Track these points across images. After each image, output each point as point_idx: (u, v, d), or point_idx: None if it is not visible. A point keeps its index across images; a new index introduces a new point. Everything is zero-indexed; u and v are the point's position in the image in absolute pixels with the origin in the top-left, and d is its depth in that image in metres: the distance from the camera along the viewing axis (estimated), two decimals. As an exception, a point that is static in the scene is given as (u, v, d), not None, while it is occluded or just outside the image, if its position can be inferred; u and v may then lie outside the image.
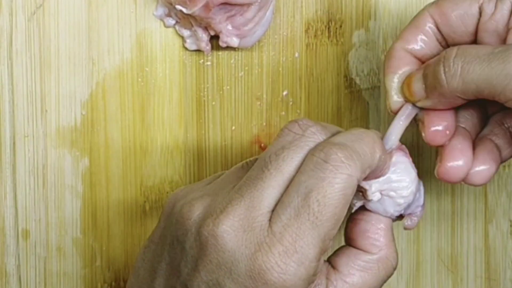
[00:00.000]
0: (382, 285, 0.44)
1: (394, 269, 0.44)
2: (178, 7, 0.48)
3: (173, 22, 0.51)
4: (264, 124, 0.53)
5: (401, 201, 0.44)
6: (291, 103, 0.53)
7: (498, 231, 0.56)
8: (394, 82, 0.45)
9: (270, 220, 0.41)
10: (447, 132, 0.45)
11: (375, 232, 0.44)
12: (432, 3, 0.45)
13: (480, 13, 0.44)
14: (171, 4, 0.49)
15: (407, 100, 0.45)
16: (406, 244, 0.56)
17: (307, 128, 0.42)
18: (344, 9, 0.53)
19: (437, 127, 0.45)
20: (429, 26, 0.45)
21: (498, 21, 0.43)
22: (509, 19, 0.43)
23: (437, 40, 0.45)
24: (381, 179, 0.44)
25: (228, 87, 0.52)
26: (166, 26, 0.51)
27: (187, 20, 0.50)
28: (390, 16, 0.54)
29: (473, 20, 0.44)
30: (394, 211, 0.45)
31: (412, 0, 0.53)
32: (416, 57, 0.46)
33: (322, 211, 0.40)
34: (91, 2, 0.51)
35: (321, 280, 0.42)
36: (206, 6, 0.47)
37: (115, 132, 0.52)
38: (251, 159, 0.45)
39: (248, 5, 0.49)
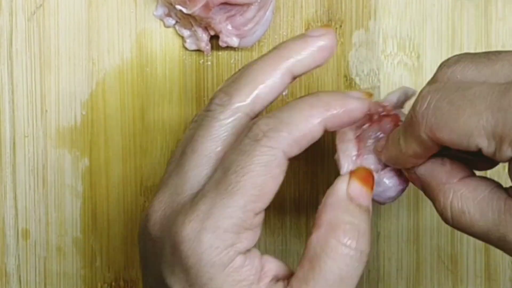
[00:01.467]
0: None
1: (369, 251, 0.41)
2: (178, 7, 0.48)
3: (173, 22, 0.51)
4: (264, 124, 0.53)
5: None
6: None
7: (498, 231, 0.56)
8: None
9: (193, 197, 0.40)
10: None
11: None
12: (425, 125, 0.38)
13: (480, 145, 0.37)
14: (171, 4, 0.49)
15: None
16: (406, 244, 0.56)
17: (211, 102, 0.41)
18: (344, 9, 0.53)
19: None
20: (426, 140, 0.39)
21: (501, 159, 0.37)
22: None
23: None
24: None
25: (228, 87, 0.52)
26: (166, 26, 0.51)
27: (187, 20, 0.50)
28: (390, 16, 0.54)
29: (473, 149, 0.38)
30: None
31: (412, 0, 0.53)
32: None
33: (240, 180, 0.38)
34: (91, 2, 0.51)
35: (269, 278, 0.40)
36: (206, 6, 0.47)
37: (115, 132, 0.52)
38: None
39: (248, 5, 0.49)
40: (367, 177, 0.41)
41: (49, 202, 0.52)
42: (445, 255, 0.56)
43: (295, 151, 0.39)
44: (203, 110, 0.42)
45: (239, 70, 0.42)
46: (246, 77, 0.41)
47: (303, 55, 0.42)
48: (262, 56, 0.42)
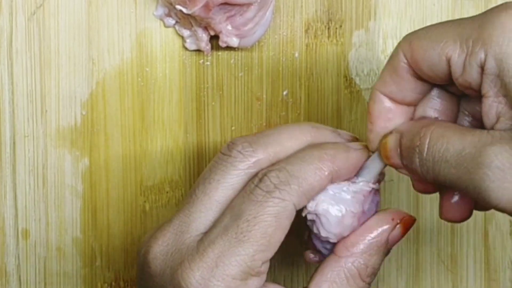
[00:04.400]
0: None
1: None
2: (178, 7, 0.48)
3: (173, 22, 0.51)
4: (264, 124, 0.53)
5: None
6: (291, 103, 0.53)
7: (498, 231, 0.56)
8: (374, 128, 0.43)
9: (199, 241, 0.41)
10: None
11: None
12: (405, 42, 0.41)
13: (450, 66, 0.39)
14: (171, 4, 0.49)
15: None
16: (406, 244, 0.56)
17: (233, 148, 0.42)
18: (344, 9, 0.53)
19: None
20: (405, 68, 0.41)
21: (472, 83, 0.39)
22: (481, 85, 0.38)
23: (415, 77, 0.42)
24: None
25: (228, 87, 0.52)
26: (166, 26, 0.51)
27: (187, 20, 0.50)
28: (390, 16, 0.54)
29: (444, 71, 0.40)
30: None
31: (412, 0, 0.53)
32: (395, 100, 0.43)
33: (251, 229, 0.40)
34: (91, 2, 0.51)
35: None
36: (206, 6, 0.47)
37: (115, 132, 0.52)
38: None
39: (248, 5, 0.49)
40: (409, 227, 0.44)
41: (49, 202, 0.52)
42: (445, 255, 0.56)
43: (304, 203, 0.41)
44: (222, 152, 0.43)
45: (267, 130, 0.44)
46: (274, 136, 0.43)
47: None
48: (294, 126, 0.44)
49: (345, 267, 0.42)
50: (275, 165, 0.42)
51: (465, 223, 0.55)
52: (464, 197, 0.42)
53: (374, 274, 0.42)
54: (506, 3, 0.38)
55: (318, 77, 0.53)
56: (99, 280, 0.53)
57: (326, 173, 0.41)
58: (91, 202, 0.52)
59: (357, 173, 0.44)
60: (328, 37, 0.53)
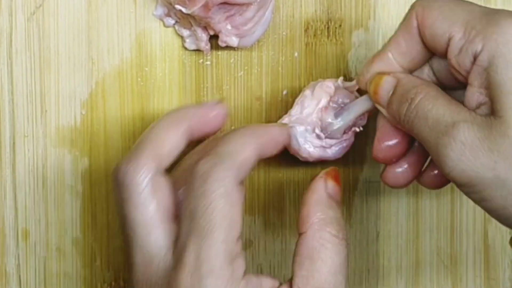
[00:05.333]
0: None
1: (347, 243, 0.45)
2: (178, 6, 0.48)
3: (173, 21, 0.51)
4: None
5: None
6: (290, 102, 0.53)
7: (498, 230, 0.56)
8: (372, 68, 0.46)
9: (172, 257, 0.42)
10: (399, 150, 0.47)
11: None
12: (420, 4, 0.44)
13: (448, 44, 0.43)
14: (170, 4, 0.49)
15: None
16: (405, 244, 0.56)
17: (117, 172, 0.43)
18: (344, 9, 0.53)
19: (388, 142, 0.47)
20: (415, 26, 0.44)
21: (462, 68, 0.42)
22: (469, 73, 0.42)
23: (421, 41, 0.45)
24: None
25: (227, 87, 0.52)
26: (166, 26, 0.51)
27: (186, 19, 0.50)
28: (390, 15, 0.54)
29: (442, 46, 0.43)
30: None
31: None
32: (401, 64, 0.46)
33: (211, 219, 0.41)
34: (90, 2, 0.51)
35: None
36: (206, 6, 0.47)
37: (114, 131, 0.52)
38: None
39: (248, 4, 0.49)
40: (338, 176, 0.47)
41: (49, 202, 0.52)
42: (444, 254, 0.56)
43: (242, 175, 0.43)
44: (115, 184, 0.43)
45: (140, 138, 0.45)
46: (145, 143, 0.44)
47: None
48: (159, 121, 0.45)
49: (314, 236, 0.44)
50: (203, 153, 0.43)
51: (464, 223, 0.55)
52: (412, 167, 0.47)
53: (340, 225, 0.44)
54: None
55: (317, 77, 0.53)
56: (99, 280, 0.53)
57: (252, 146, 0.44)
58: (91, 202, 0.52)
59: (339, 113, 0.49)
60: (328, 36, 0.53)
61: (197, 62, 0.52)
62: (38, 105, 0.51)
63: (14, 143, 0.51)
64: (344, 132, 0.50)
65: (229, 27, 0.49)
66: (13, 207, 0.52)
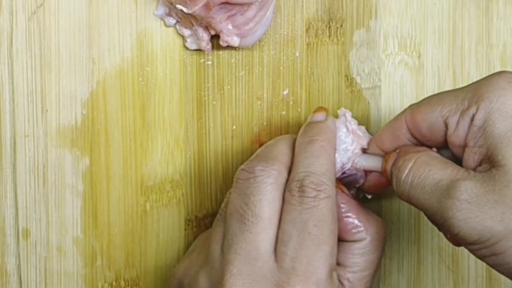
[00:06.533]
0: (383, 250, 0.48)
1: (386, 233, 0.48)
2: (179, 6, 0.48)
3: (174, 21, 0.51)
4: (265, 123, 0.53)
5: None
6: (291, 102, 0.53)
7: (499, 230, 0.56)
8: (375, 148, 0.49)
9: (275, 261, 0.43)
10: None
11: (351, 222, 0.47)
12: (408, 109, 0.46)
13: (446, 127, 0.44)
14: (171, 3, 0.49)
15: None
16: (407, 244, 0.56)
17: (253, 169, 0.45)
18: (345, 8, 0.53)
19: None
20: (404, 131, 0.47)
21: (461, 137, 0.44)
22: (466, 136, 0.43)
23: (411, 142, 0.47)
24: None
25: (228, 87, 0.52)
26: (167, 26, 0.51)
27: (187, 19, 0.50)
28: (391, 15, 0.54)
29: (441, 132, 0.45)
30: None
31: (413, -1, 0.54)
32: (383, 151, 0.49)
33: (321, 232, 0.43)
34: (91, 2, 0.51)
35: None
36: (207, 6, 0.47)
37: (115, 131, 0.52)
38: (217, 217, 0.48)
39: (249, 4, 0.48)
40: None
41: (50, 202, 0.52)
42: (446, 254, 0.56)
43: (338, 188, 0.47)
44: (241, 178, 0.46)
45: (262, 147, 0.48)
46: (272, 147, 0.47)
47: None
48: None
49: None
50: (298, 173, 0.45)
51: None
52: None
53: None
54: (501, 71, 0.44)
55: (319, 77, 0.53)
56: (99, 280, 0.53)
57: (330, 152, 0.46)
58: (92, 202, 0.52)
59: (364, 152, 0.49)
60: (329, 36, 0.53)
61: (198, 62, 0.52)
62: (39, 104, 0.51)
63: (14, 142, 0.51)
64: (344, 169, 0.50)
65: (230, 26, 0.49)
66: (13, 207, 0.52)
